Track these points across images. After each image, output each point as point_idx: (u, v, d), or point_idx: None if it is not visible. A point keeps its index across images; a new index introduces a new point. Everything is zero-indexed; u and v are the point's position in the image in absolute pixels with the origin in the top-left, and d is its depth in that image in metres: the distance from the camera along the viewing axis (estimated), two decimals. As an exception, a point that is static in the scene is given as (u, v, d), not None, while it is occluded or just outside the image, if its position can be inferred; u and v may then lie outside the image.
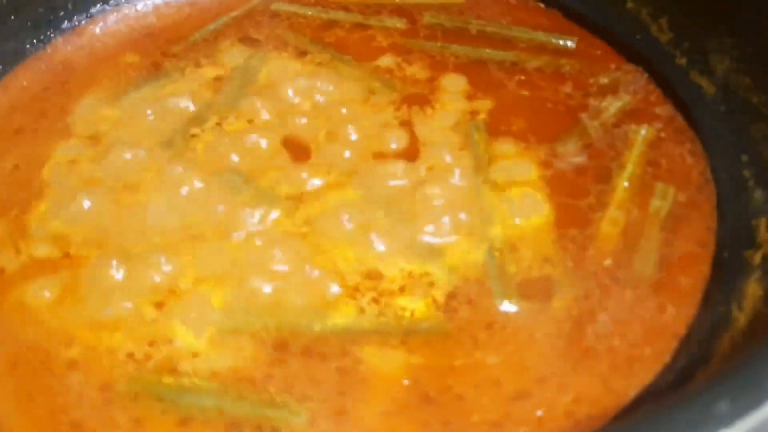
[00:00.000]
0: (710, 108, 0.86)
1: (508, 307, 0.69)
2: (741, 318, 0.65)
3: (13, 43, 0.94)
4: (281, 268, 0.72)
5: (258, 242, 0.74)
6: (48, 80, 0.93)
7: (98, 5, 1.00)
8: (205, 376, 0.65)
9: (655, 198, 0.78)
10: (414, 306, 0.70)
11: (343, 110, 0.86)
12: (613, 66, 0.93)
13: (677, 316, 0.69)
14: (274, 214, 0.77)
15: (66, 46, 0.97)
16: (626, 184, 0.80)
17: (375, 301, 0.70)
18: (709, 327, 0.67)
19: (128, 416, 0.62)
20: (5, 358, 0.67)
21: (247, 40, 0.97)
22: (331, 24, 0.99)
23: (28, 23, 0.95)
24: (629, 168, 0.81)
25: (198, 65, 0.94)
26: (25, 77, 0.93)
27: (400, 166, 0.81)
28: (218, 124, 0.86)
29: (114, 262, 0.72)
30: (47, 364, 0.66)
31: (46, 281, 0.71)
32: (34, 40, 0.96)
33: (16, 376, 0.66)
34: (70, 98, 0.90)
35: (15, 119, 0.89)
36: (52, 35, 0.97)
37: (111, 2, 1.01)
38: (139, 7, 1.02)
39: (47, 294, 0.70)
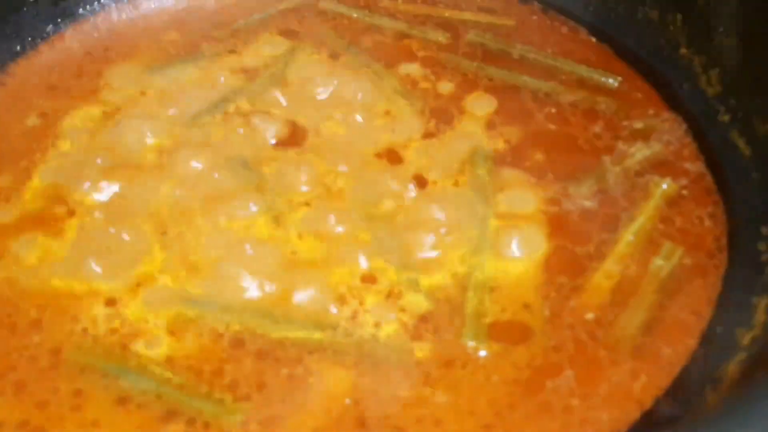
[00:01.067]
0: (742, 172, 0.80)
1: (472, 346, 0.67)
2: (712, 400, 0.61)
3: (66, 5, 0.97)
4: (257, 266, 0.72)
5: (243, 237, 0.74)
6: (91, 44, 0.96)
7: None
8: (154, 360, 0.65)
9: (658, 257, 0.74)
10: (381, 325, 0.68)
11: (359, 117, 0.86)
12: (651, 111, 0.88)
13: (648, 386, 0.65)
14: (265, 210, 0.77)
15: (118, 15, 1.00)
16: (632, 237, 0.75)
17: (344, 311, 0.69)
18: (677, 405, 0.62)
19: (71, 386, 0.64)
20: None
21: (286, 34, 0.97)
22: (374, 29, 0.98)
23: (81, -12, 0.99)
24: (639, 221, 0.77)
25: (234, 52, 0.95)
26: (72, 39, 0.97)
27: (400, 178, 0.79)
28: (237, 113, 0.87)
29: (100, 231, 0.74)
30: (13, 318, 0.68)
31: (33, 237, 0.74)
32: (88, 6, 0.99)
33: None
34: (108, 65, 0.93)
35: (52, 76, 0.92)
36: (105, 2, 1.00)
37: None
38: (194, -14, 1.04)
39: (31, 250, 0.73)
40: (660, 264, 0.73)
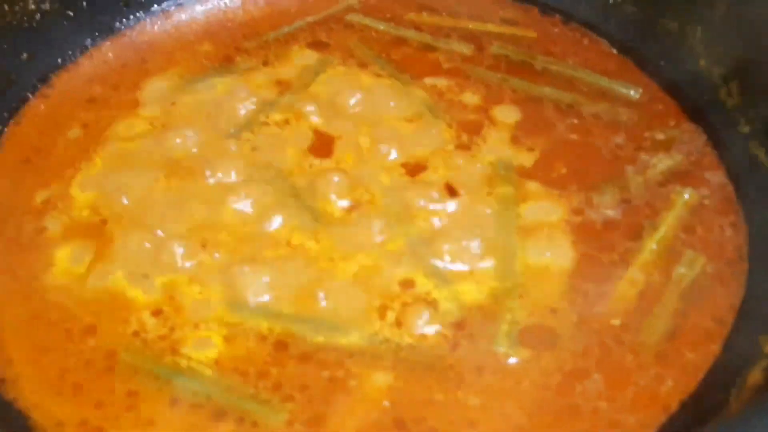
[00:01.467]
0: (762, 182, 0.83)
1: (504, 352, 0.70)
2: (736, 405, 0.63)
3: (103, 19, 1.01)
4: (296, 274, 0.75)
5: (282, 246, 0.77)
6: (128, 57, 0.99)
7: (183, -7, 1.06)
8: (203, 362, 0.69)
9: (680, 265, 0.77)
10: (417, 332, 0.71)
11: (389, 128, 0.89)
12: (672, 123, 0.91)
13: (673, 390, 0.68)
14: (302, 220, 0.80)
15: (152, 28, 1.04)
16: (655, 246, 0.78)
17: (382, 318, 0.72)
18: (702, 408, 0.65)
19: (125, 387, 0.67)
20: (29, 310, 0.73)
21: (316, 46, 1.01)
22: (400, 41, 1.01)
23: (120, 3, 1.02)
24: (662, 230, 0.80)
25: (266, 63, 0.98)
26: (109, 52, 1.00)
27: (428, 189, 0.82)
28: (270, 123, 0.90)
29: (146, 238, 0.77)
30: (68, 324, 0.72)
31: (82, 245, 0.77)
32: (123, 19, 1.02)
33: (34, 329, 0.71)
34: (145, 76, 0.96)
35: (92, 88, 0.95)
36: (141, 16, 1.03)
37: (196, -9, 1.07)
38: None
39: (80, 258, 0.76)
40: (682, 272, 0.76)
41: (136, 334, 0.71)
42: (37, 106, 0.92)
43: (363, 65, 0.97)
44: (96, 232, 0.79)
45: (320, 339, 0.70)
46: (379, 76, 0.96)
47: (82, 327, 0.71)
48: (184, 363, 0.68)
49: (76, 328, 0.71)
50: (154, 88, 0.95)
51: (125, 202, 0.81)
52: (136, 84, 0.95)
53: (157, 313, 0.72)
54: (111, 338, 0.70)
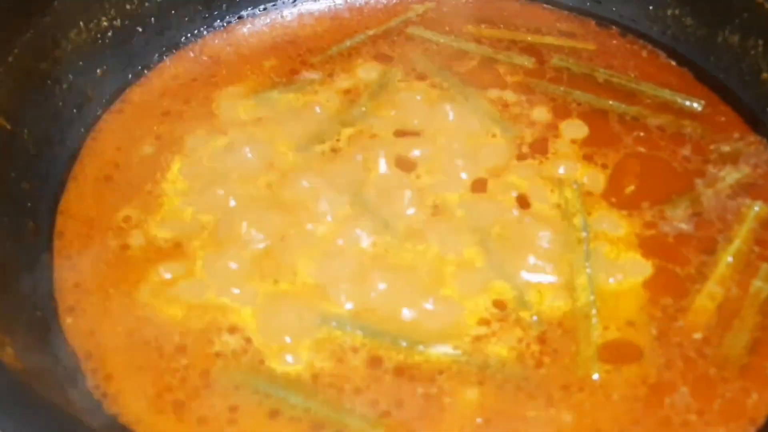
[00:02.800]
0: (831, 194, 0.84)
1: (587, 367, 0.71)
2: (824, 419, 0.65)
3: (170, 34, 1.02)
4: (383, 286, 0.76)
5: (366, 261, 0.79)
6: (196, 72, 1.01)
7: (249, 9, 1.08)
8: (298, 377, 0.70)
9: (757, 279, 0.78)
10: (503, 347, 0.73)
11: (457, 143, 0.90)
12: (736, 135, 0.92)
13: (759, 404, 0.69)
14: (381, 233, 0.81)
15: (215, 43, 1.05)
16: (730, 259, 0.80)
17: (470, 333, 0.73)
18: (790, 421, 0.67)
19: (225, 403, 0.68)
20: (125, 327, 0.74)
21: (379, 58, 1.02)
22: (461, 54, 1.03)
23: (185, 18, 1.03)
24: (736, 243, 0.81)
25: (332, 76, 1.00)
26: (177, 67, 1.01)
27: (502, 201, 0.84)
28: (340, 137, 0.91)
29: (232, 255, 0.79)
30: (160, 341, 0.73)
31: (167, 263, 0.79)
32: (188, 34, 1.04)
33: (130, 346, 0.73)
34: (215, 90, 0.97)
35: (164, 103, 0.96)
36: (204, 31, 1.05)
37: (261, 7, 1.08)
38: (285, 14, 1.09)
39: (167, 275, 0.78)
40: (760, 286, 0.77)
41: (227, 350, 0.72)
42: (112, 122, 0.93)
43: (425, 78, 0.99)
44: (180, 250, 0.80)
45: (412, 353, 0.72)
46: (444, 89, 0.97)
47: (173, 345, 0.73)
48: (279, 377, 0.70)
49: (167, 346, 0.73)
50: (225, 102, 0.96)
51: (208, 218, 0.83)
52: (207, 98, 0.96)
53: (248, 328, 0.74)
54: (203, 355, 0.72)
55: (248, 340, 0.73)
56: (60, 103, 0.90)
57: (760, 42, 0.96)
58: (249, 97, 0.96)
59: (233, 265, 0.78)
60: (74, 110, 0.92)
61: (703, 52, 1.01)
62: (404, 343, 0.72)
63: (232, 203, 0.84)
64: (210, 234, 0.81)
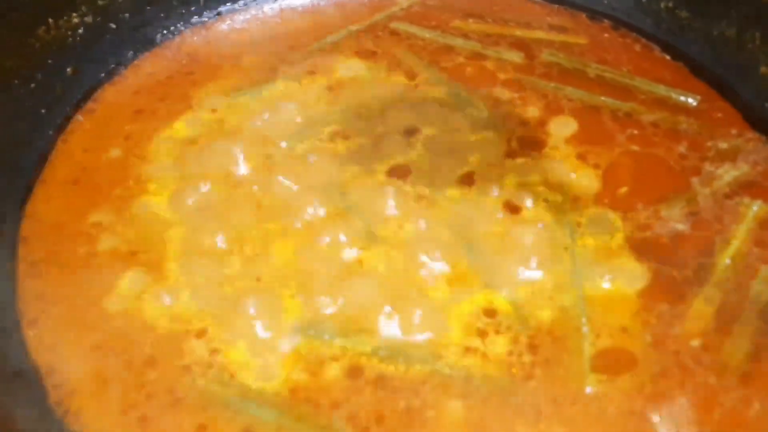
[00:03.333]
0: (834, 193, 0.81)
1: (580, 378, 0.67)
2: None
3: (146, 31, 0.99)
4: (363, 293, 0.73)
5: (347, 266, 0.75)
6: (173, 69, 0.97)
7: (228, 4, 1.04)
8: (272, 391, 0.66)
9: (757, 281, 0.74)
10: (489, 358, 0.69)
11: (443, 139, 0.86)
12: (734, 131, 0.89)
13: (761, 413, 0.65)
14: (364, 240, 0.77)
15: (193, 39, 1.01)
16: (728, 261, 0.76)
17: (454, 344, 0.70)
18: (794, 432, 0.63)
19: (195, 420, 0.64)
20: (90, 342, 0.70)
21: (362, 55, 0.98)
22: (448, 50, 0.99)
23: (162, 15, 1.00)
24: (734, 244, 0.77)
25: (313, 73, 0.96)
26: (154, 64, 0.98)
27: (490, 205, 0.80)
28: (320, 136, 0.87)
29: (203, 262, 0.75)
30: (128, 355, 0.69)
31: (138, 269, 0.75)
32: (165, 31, 1.00)
33: (96, 362, 0.68)
34: (192, 88, 0.93)
35: (138, 101, 0.92)
36: (182, 28, 1.01)
37: (240, 2, 1.04)
38: (266, 9, 1.05)
39: (137, 284, 0.74)
40: (759, 289, 0.74)
41: (197, 364, 0.68)
42: (83, 123, 0.89)
43: (413, 75, 0.95)
44: (150, 257, 0.76)
45: (394, 363, 0.68)
46: (432, 86, 0.93)
47: (143, 358, 0.69)
48: (252, 392, 0.66)
49: (136, 359, 0.69)
50: (203, 99, 0.92)
51: (179, 223, 0.79)
52: (184, 95, 0.92)
53: (219, 339, 0.70)
54: (172, 369, 0.68)
55: (219, 352, 0.69)
56: (28, 104, 0.86)
57: (758, 35, 0.92)
58: (228, 94, 0.92)
59: (206, 272, 0.74)
60: (43, 110, 0.88)
61: (699, 45, 0.97)
62: (385, 353, 0.68)
63: (206, 206, 0.80)
64: (182, 240, 0.77)
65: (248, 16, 1.05)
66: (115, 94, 0.93)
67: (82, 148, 0.87)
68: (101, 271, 0.75)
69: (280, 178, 0.83)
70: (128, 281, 0.74)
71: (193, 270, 0.75)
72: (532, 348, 0.69)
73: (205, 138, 0.87)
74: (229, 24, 1.04)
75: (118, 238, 0.78)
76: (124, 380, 0.67)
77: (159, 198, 0.82)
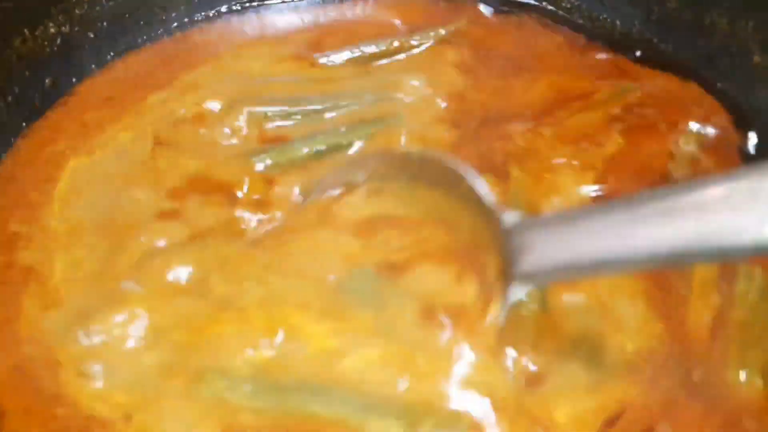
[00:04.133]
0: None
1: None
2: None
3: (126, 39, 0.97)
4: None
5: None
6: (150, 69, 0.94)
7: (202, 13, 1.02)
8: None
9: (739, 282, 0.71)
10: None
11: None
12: (720, 124, 0.86)
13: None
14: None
15: (173, 46, 0.99)
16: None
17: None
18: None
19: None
20: (10, 361, 0.64)
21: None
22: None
23: (141, 23, 0.98)
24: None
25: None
26: (129, 67, 0.95)
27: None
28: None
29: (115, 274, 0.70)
30: (42, 381, 0.63)
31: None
32: (144, 36, 0.99)
33: (18, 383, 0.63)
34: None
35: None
36: (162, 36, 0.99)
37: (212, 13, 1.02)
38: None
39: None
40: (744, 287, 0.71)
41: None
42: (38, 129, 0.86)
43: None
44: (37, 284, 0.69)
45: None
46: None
47: (55, 387, 0.61)
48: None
49: (48, 387, 0.61)
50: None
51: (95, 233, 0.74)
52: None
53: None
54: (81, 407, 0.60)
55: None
56: (4, 118, 0.85)
57: (751, 24, 0.89)
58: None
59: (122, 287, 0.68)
60: (24, 123, 0.87)
61: (688, 36, 0.94)
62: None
63: (121, 215, 0.75)
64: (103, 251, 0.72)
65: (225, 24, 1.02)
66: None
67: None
68: (15, 286, 0.70)
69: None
70: (38, 300, 0.68)
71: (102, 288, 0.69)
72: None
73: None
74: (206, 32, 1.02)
75: (36, 250, 0.72)
76: (41, 412, 0.61)
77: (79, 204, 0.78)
